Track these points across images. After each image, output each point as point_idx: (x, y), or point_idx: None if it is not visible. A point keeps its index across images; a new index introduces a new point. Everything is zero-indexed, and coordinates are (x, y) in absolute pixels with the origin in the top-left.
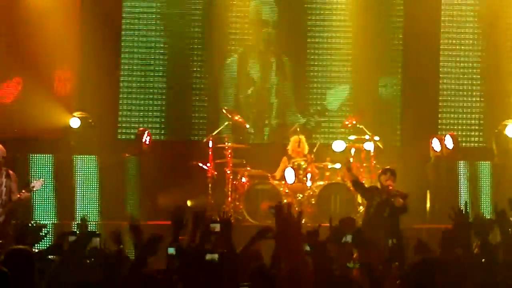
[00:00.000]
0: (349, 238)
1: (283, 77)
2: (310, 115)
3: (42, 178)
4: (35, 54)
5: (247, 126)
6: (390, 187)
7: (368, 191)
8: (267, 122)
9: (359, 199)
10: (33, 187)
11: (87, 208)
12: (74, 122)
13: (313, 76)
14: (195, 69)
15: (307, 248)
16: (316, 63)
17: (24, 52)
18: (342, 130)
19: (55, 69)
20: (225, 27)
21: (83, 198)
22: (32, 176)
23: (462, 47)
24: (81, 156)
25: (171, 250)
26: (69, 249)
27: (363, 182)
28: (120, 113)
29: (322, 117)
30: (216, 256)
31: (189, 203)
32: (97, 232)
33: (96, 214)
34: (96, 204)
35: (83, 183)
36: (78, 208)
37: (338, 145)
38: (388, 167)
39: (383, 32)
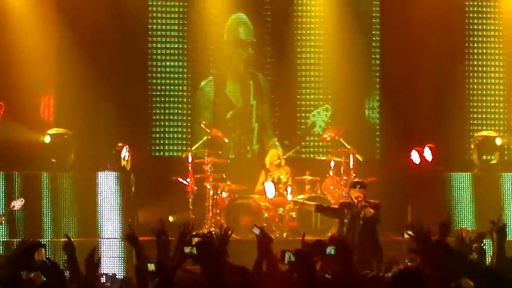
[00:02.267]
0: (331, 250)
1: (262, 99)
2: (292, 139)
3: (22, 198)
4: (19, 79)
5: (226, 140)
6: (359, 199)
7: (337, 210)
8: (249, 148)
9: None
10: (13, 206)
11: (64, 225)
12: (47, 139)
13: (294, 99)
14: (173, 85)
15: (292, 258)
16: (297, 85)
17: (8, 77)
18: (321, 143)
19: (40, 95)
20: (202, 48)
21: (60, 215)
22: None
23: (441, 60)
24: (60, 173)
25: (151, 267)
26: (15, 260)
27: (328, 204)
28: (100, 129)
29: (306, 139)
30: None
31: (171, 218)
32: (43, 243)
33: (73, 231)
34: (73, 221)
35: (61, 200)
36: (56, 224)
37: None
38: (356, 179)
39: (361, 51)
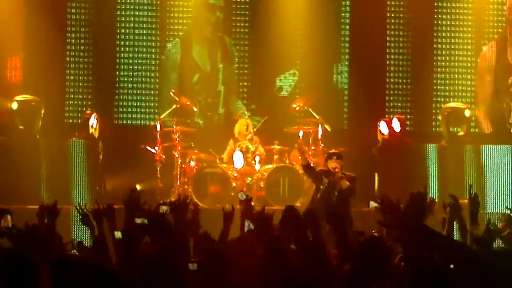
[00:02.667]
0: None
1: (229, 63)
2: (259, 103)
3: None
4: None
5: (195, 109)
6: (337, 170)
7: (318, 175)
8: (215, 111)
9: (308, 182)
10: None
11: (33, 192)
12: (14, 105)
13: (261, 62)
14: (140, 52)
15: (251, 226)
16: (265, 49)
17: None
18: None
19: (7, 56)
20: (169, 11)
21: (28, 181)
22: None
23: (410, 32)
24: (27, 140)
25: (118, 235)
26: None
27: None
28: (67, 96)
29: (272, 104)
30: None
31: (138, 187)
32: (9, 210)
33: (42, 198)
34: (41, 188)
35: (28, 167)
36: (23, 191)
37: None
38: (333, 150)
39: (331, 18)
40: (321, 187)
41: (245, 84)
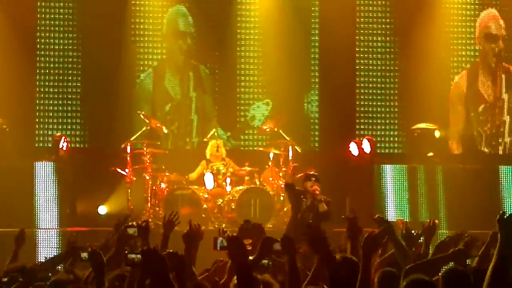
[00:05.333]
0: (278, 246)
1: (202, 91)
2: (233, 130)
3: None
4: None
5: (165, 131)
6: (317, 192)
7: (299, 196)
8: (188, 140)
9: (278, 203)
10: None
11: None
12: None
13: (234, 90)
14: (111, 80)
15: (224, 243)
16: (237, 78)
17: None
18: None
19: None
20: (139, 40)
21: None
22: None
23: (378, 55)
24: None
25: (84, 255)
26: None
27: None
28: (37, 120)
29: (245, 132)
30: (138, 256)
31: (106, 208)
32: None
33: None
34: (9, 211)
35: None
36: None
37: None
38: (311, 172)
39: (301, 47)
40: (302, 208)
41: (216, 113)
